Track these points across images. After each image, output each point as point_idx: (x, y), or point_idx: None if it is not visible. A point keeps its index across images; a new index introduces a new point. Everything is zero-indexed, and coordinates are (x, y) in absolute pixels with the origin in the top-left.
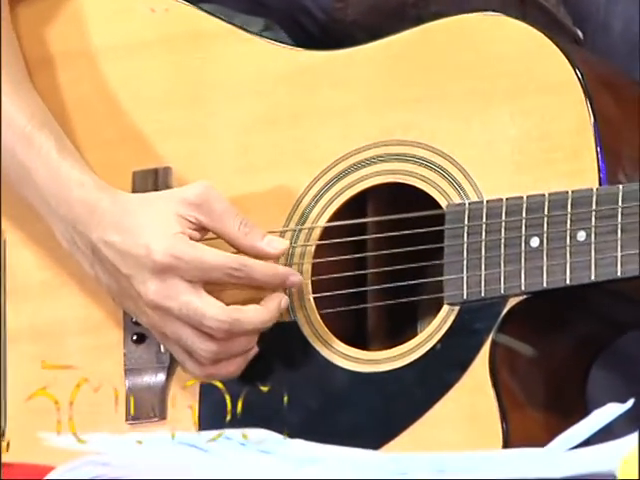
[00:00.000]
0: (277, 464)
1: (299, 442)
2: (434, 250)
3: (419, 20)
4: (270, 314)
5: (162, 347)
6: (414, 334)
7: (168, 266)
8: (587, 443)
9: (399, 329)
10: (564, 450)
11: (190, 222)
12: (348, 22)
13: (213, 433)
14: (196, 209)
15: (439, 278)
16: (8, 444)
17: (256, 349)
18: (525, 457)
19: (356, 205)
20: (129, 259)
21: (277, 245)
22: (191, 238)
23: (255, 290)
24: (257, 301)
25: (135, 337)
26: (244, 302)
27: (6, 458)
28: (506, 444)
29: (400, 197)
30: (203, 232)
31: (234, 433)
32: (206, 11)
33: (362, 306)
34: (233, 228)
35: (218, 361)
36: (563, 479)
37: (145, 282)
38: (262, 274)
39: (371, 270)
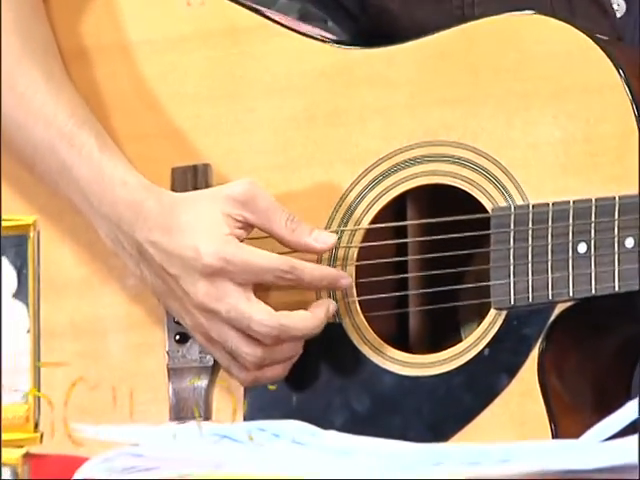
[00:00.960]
0: (311, 455)
1: (333, 433)
2: (478, 254)
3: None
4: (318, 321)
5: None
6: (456, 337)
7: (218, 269)
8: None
9: (441, 333)
10: (598, 441)
11: (237, 221)
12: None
13: (247, 424)
14: (242, 207)
15: (485, 283)
16: (42, 436)
17: (301, 351)
18: (560, 448)
19: (397, 205)
20: (176, 260)
21: (325, 239)
22: (238, 237)
23: (303, 292)
24: (305, 303)
25: (178, 337)
26: (292, 304)
27: (40, 450)
28: None
29: (441, 198)
30: (249, 229)
31: (268, 424)
32: (242, 4)
33: (407, 310)
34: (280, 225)
35: (263, 366)
36: (597, 469)
37: (195, 284)
38: (312, 276)
39: (415, 274)
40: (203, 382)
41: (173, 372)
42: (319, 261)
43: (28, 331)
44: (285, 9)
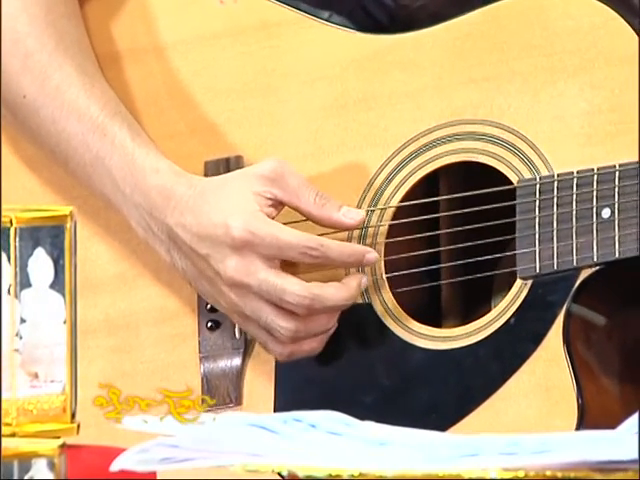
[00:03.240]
0: (347, 446)
1: (369, 424)
2: (506, 226)
3: (485, 4)
4: (350, 292)
5: (237, 332)
6: (488, 310)
7: (246, 241)
8: None
9: (473, 305)
10: (635, 432)
11: (267, 198)
12: (415, 7)
13: (283, 415)
14: (271, 184)
15: (511, 252)
16: (79, 426)
17: (336, 325)
18: (596, 438)
19: (427, 185)
20: (206, 240)
21: (354, 215)
22: (268, 215)
23: (330, 271)
24: (332, 280)
25: (210, 324)
26: (318, 280)
27: (76, 440)
28: (581, 415)
29: (470, 175)
30: (280, 207)
31: (303, 415)
32: (273, 0)
33: (436, 283)
34: (309, 201)
35: (298, 339)
36: (633, 460)
37: (224, 260)
38: (339, 253)
39: (444, 248)
40: (234, 368)
41: (205, 360)
42: (349, 239)
43: (64, 322)
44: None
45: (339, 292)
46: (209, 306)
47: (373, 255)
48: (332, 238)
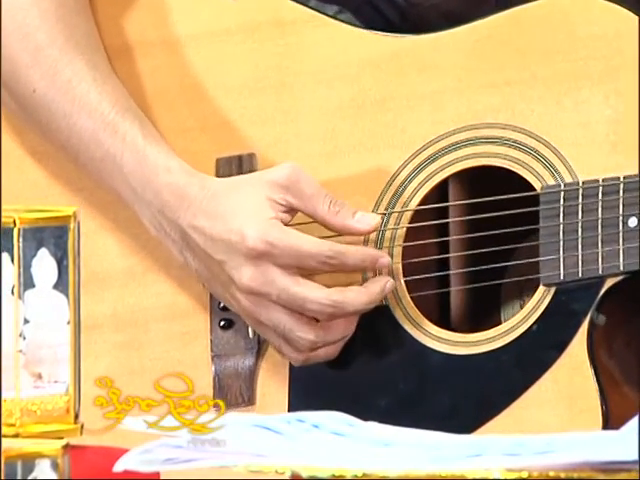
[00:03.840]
0: (350, 446)
1: (373, 425)
2: (523, 232)
3: (499, 4)
4: (371, 296)
5: (250, 332)
6: (497, 317)
7: (263, 252)
8: None
9: (481, 314)
10: (636, 433)
11: (281, 205)
12: (427, 6)
13: (287, 415)
14: (286, 191)
15: (535, 259)
16: (82, 427)
17: (353, 331)
18: (600, 439)
19: (444, 189)
20: (220, 244)
21: (369, 221)
22: (283, 221)
23: (345, 275)
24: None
25: (223, 323)
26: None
27: (80, 441)
28: (606, 423)
29: (482, 181)
30: (293, 213)
31: (307, 415)
32: None
33: (456, 288)
34: (323, 208)
35: (316, 348)
36: (638, 461)
37: (239, 268)
38: (353, 258)
39: (461, 253)
40: (247, 368)
41: (217, 359)
42: (365, 243)
43: (68, 322)
44: (322, 8)
45: (360, 297)
46: (222, 305)
47: (386, 259)
48: (349, 241)
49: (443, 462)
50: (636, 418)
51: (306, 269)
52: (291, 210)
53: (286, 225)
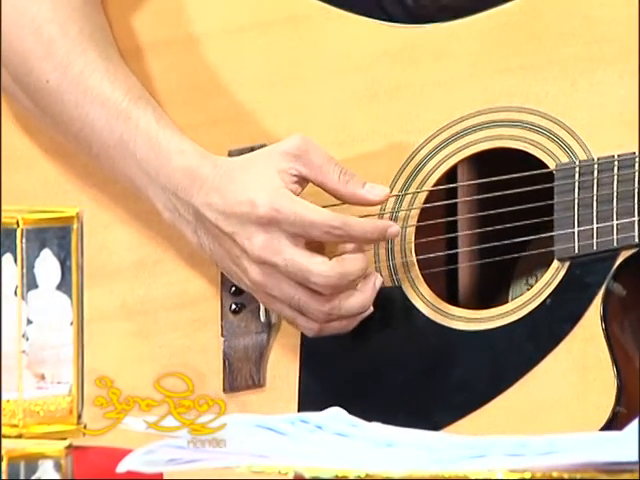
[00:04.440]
0: (353, 447)
1: (376, 425)
2: (536, 210)
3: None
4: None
5: (261, 314)
6: (505, 296)
7: (271, 218)
8: None
9: (490, 291)
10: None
11: (291, 175)
12: (435, 8)
13: (290, 416)
14: (296, 161)
15: (549, 234)
16: (85, 428)
17: (371, 309)
18: (603, 439)
19: (450, 173)
20: (232, 217)
21: (378, 192)
22: (293, 192)
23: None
24: None
25: (234, 307)
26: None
27: (83, 442)
28: (619, 393)
29: (492, 164)
30: (304, 183)
31: (310, 416)
32: None
33: (468, 264)
34: (333, 177)
35: (331, 320)
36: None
37: (250, 237)
38: (362, 230)
39: (471, 231)
40: (257, 350)
41: (227, 342)
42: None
43: (71, 323)
44: None
45: (358, 262)
46: (233, 289)
47: (395, 229)
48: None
49: (446, 463)
50: (636, 419)
51: (313, 239)
52: (301, 180)
53: (297, 195)
